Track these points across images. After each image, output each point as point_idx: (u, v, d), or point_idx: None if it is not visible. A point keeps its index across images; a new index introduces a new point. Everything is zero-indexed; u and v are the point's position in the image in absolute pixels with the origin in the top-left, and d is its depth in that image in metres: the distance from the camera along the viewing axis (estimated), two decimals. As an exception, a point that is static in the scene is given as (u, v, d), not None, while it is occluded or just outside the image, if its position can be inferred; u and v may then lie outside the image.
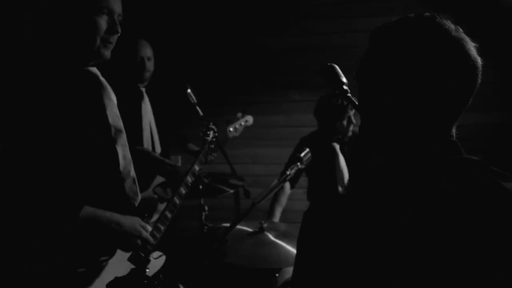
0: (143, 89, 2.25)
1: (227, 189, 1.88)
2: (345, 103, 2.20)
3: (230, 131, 1.97)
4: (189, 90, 1.72)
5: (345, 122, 2.29)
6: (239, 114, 2.10)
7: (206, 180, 1.85)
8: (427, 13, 0.72)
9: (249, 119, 2.17)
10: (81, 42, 1.16)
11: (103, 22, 1.14)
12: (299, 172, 1.98)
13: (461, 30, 0.71)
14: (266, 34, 3.11)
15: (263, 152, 3.22)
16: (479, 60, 0.70)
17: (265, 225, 1.56)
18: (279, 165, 2.87)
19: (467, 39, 0.71)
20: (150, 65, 2.21)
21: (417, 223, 0.66)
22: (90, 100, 1.22)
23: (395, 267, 0.65)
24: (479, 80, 0.70)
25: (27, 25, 2.13)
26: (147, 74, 2.21)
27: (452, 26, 0.71)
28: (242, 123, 2.08)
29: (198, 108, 1.78)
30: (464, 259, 0.63)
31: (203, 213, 1.89)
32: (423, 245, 0.64)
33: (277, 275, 1.55)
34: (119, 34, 1.19)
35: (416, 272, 0.64)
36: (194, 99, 1.75)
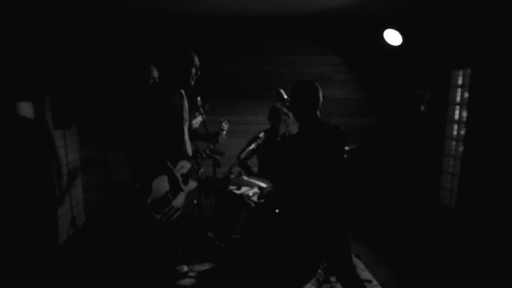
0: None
1: (217, 156, 3.23)
2: (281, 108, 3.60)
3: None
4: (199, 98, 3.05)
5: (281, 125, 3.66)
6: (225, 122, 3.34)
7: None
8: (310, 80, 2.27)
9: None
10: (185, 79, 2.56)
11: (194, 70, 2.55)
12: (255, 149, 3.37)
13: (317, 85, 2.26)
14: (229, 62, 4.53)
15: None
16: (320, 93, 2.27)
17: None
18: (232, 151, 4.25)
19: (318, 87, 2.29)
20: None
21: (314, 140, 2.17)
22: (180, 104, 2.58)
23: (307, 154, 2.18)
24: (321, 98, 2.26)
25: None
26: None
27: (316, 84, 2.26)
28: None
29: (201, 108, 3.10)
30: (326, 149, 2.17)
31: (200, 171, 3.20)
32: (314, 146, 2.16)
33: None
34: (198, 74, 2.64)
35: (312, 156, 2.16)
36: (200, 102, 3.07)
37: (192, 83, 2.73)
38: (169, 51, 2.70)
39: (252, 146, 3.08)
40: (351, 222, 4.26)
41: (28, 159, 3.32)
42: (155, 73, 3.45)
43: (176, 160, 2.73)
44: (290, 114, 3.53)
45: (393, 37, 3.85)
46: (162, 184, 2.68)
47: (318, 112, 2.35)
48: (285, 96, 2.68)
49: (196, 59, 2.75)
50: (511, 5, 3.14)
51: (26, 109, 3.46)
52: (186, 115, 2.79)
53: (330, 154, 2.25)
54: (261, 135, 3.07)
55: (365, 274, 3.25)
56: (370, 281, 3.13)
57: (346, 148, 3.12)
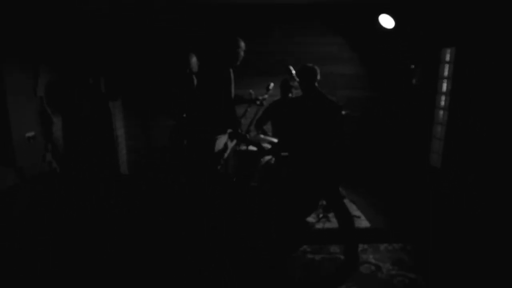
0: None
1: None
2: (290, 84, 4.37)
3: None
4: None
5: (290, 94, 4.45)
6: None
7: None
8: (310, 64, 3.07)
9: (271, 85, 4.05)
10: (233, 61, 3.36)
11: (241, 52, 3.35)
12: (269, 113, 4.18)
13: (315, 67, 3.10)
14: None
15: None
16: (318, 72, 3.12)
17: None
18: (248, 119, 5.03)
19: (316, 68, 3.13)
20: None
21: (309, 102, 3.00)
22: (227, 79, 3.37)
23: (297, 119, 3.03)
24: (319, 77, 3.09)
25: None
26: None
27: (314, 66, 3.08)
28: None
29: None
30: (318, 117, 2.99)
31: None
32: (308, 105, 3.00)
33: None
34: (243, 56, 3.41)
35: (303, 121, 3.00)
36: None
37: (238, 63, 3.45)
38: (219, 38, 3.45)
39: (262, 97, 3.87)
40: (350, 175, 5.09)
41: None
42: (193, 60, 4.24)
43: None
44: (297, 86, 4.32)
45: (387, 21, 4.51)
46: (219, 143, 3.53)
47: (316, 84, 3.15)
48: (293, 72, 3.47)
49: (243, 44, 3.42)
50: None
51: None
52: (232, 89, 3.50)
53: (320, 113, 3.07)
54: (271, 87, 3.86)
55: (357, 213, 4.09)
56: (359, 217, 3.96)
57: (343, 112, 3.91)
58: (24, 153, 3.75)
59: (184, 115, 3.84)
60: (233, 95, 3.52)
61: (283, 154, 3.58)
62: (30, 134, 3.87)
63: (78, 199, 3.97)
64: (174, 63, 4.35)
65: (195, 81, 4.31)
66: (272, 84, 3.90)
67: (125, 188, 4.84)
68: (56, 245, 3.32)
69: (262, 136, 3.89)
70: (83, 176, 4.51)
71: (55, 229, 3.52)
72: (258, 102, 3.75)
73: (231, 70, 3.45)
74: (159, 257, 3.32)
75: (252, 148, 4.04)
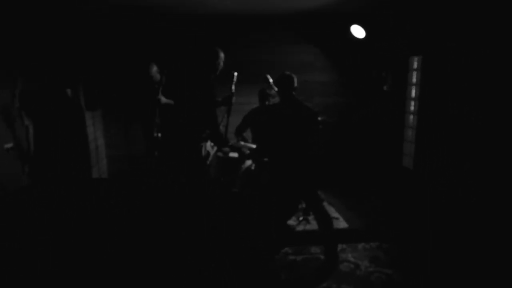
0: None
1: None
2: (267, 92, 4.51)
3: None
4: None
5: (267, 102, 4.60)
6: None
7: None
8: (288, 72, 3.22)
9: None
10: (214, 71, 3.46)
11: (221, 62, 3.45)
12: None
13: (293, 75, 3.28)
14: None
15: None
16: (295, 80, 3.27)
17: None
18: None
19: (293, 76, 3.27)
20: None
21: (284, 112, 3.16)
22: (210, 89, 3.45)
23: (275, 126, 3.19)
24: (296, 85, 3.26)
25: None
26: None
27: (291, 74, 3.26)
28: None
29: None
30: (295, 124, 3.15)
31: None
32: (285, 112, 3.17)
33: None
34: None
35: (281, 128, 3.16)
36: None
37: (217, 73, 3.56)
38: (200, 48, 3.55)
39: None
40: (328, 179, 5.27)
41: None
42: (154, 70, 4.28)
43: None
44: (274, 94, 4.48)
45: (358, 31, 4.76)
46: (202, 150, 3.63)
47: (294, 93, 3.30)
48: (271, 80, 3.62)
49: (222, 55, 3.52)
50: (449, 10, 4.06)
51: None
52: (213, 97, 3.61)
53: (297, 119, 3.22)
54: (235, 78, 3.85)
55: (335, 215, 4.26)
56: (337, 218, 4.14)
57: (320, 118, 4.08)
58: (4, 164, 3.72)
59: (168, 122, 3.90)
60: (213, 103, 3.61)
61: (264, 159, 3.71)
62: (8, 145, 3.83)
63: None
64: (135, 73, 4.39)
65: (160, 92, 4.36)
66: (235, 74, 3.74)
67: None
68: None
69: (242, 143, 4.01)
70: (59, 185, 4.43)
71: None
72: (230, 94, 3.76)
73: (211, 80, 3.56)
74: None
75: (232, 154, 4.16)
